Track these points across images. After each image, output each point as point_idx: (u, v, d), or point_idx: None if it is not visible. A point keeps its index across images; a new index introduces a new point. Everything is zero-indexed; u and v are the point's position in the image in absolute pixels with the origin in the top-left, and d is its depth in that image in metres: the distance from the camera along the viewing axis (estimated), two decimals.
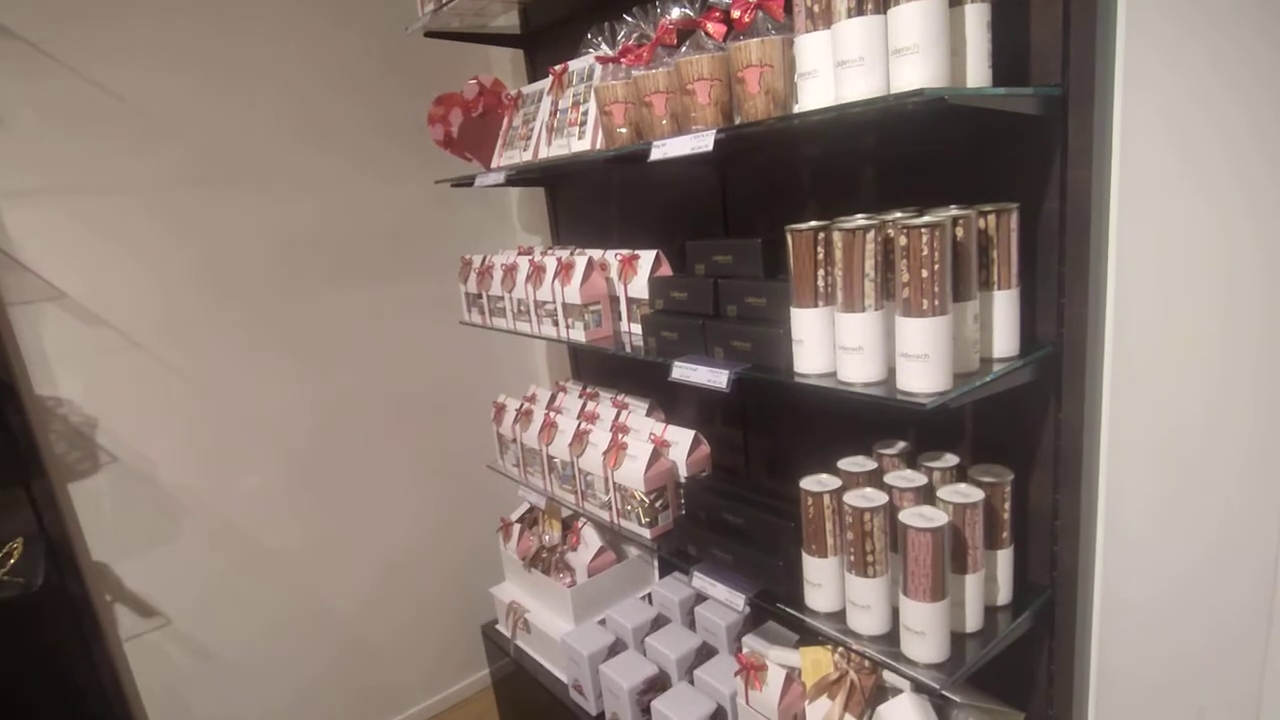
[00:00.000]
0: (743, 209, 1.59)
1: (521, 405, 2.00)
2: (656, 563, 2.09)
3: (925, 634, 1.07)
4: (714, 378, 1.22)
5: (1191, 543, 1.11)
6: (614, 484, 1.63)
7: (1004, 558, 1.19)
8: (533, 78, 2.09)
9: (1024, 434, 1.21)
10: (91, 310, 1.85)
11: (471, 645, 2.52)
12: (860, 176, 1.34)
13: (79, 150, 1.79)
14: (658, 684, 1.67)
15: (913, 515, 1.06)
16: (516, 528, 2.18)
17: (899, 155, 1.27)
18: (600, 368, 2.25)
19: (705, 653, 1.73)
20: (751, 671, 1.38)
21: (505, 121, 1.80)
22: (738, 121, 1.17)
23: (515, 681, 2.15)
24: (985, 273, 1.06)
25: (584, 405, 1.97)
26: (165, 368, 1.96)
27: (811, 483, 1.21)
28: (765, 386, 1.65)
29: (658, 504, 1.59)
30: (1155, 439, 1.12)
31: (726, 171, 1.59)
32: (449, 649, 2.59)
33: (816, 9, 0.97)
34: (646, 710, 1.65)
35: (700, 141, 1.10)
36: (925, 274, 0.91)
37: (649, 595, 1.99)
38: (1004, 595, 1.20)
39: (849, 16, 0.92)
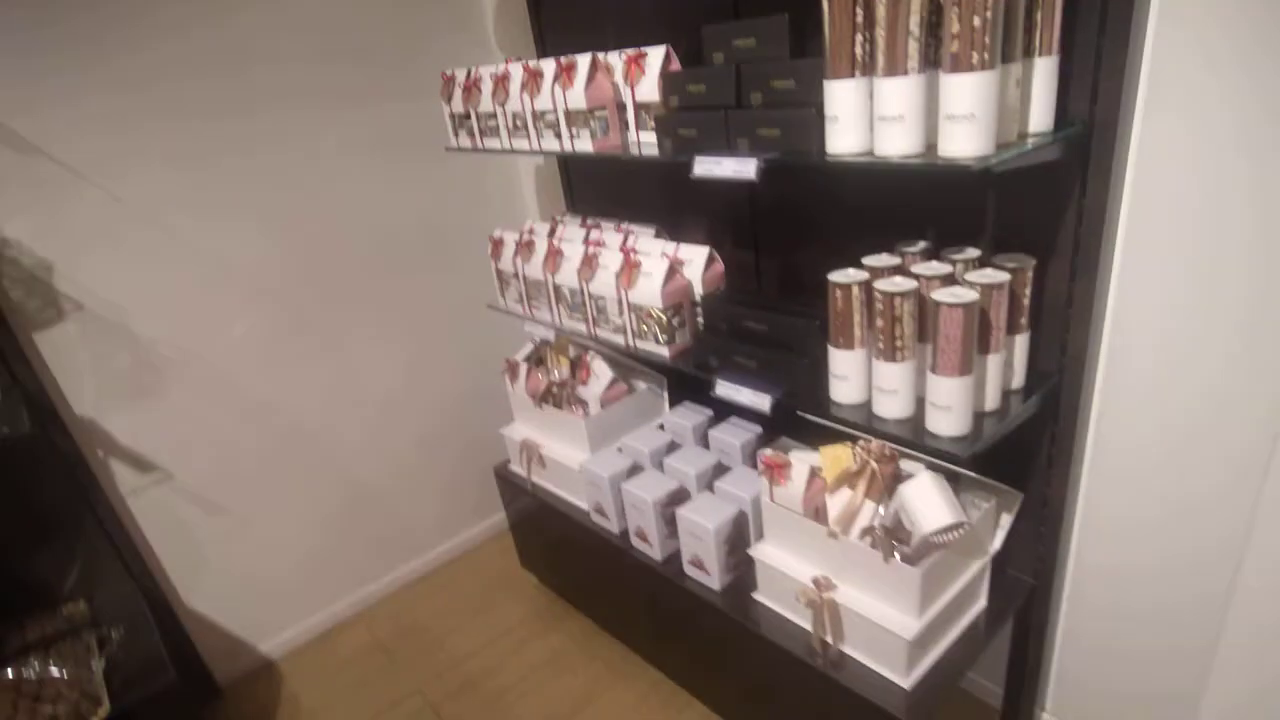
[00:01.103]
0: None
1: (521, 238, 1.96)
2: (666, 394, 2.14)
3: (951, 408, 1.12)
4: (741, 168, 1.19)
5: (1196, 329, 1.16)
6: (629, 305, 1.63)
7: (1021, 342, 1.23)
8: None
9: (1044, 223, 1.22)
10: (29, 140, 1.66)
11: (481, 489, 2.61)
12: None
13: None
14: (679, 497, 1.75)
15: (945, 294, 1.08)
16: (523, 367, 2.20)
17: None
18: (598, 196, 2.19)
19: (720, 470, 1.81)
20: (776, 470, 1.44)
21: None
22: None
23: (533, 516, 2.24)
24: (1028, 37, 1.02)
25: (587, 234, 1.94)
26: (122, 205, 1.80)
27: (840, 275, 1.22)
28: (781, 197, 1.64)
29: (674, 321, 1.60)
30: (1172, 231, 1.14)
31: None
32: (459, 493, 2.66)
33: None
34: (670, 521, 1.74)
35: None
36: (977, 22, 0.88)
37: (661, 424, 2.05)
38: (1018, 380, 1.25)
39: None
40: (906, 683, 1.33)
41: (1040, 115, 1.07)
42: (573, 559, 2.19)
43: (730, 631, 1.60)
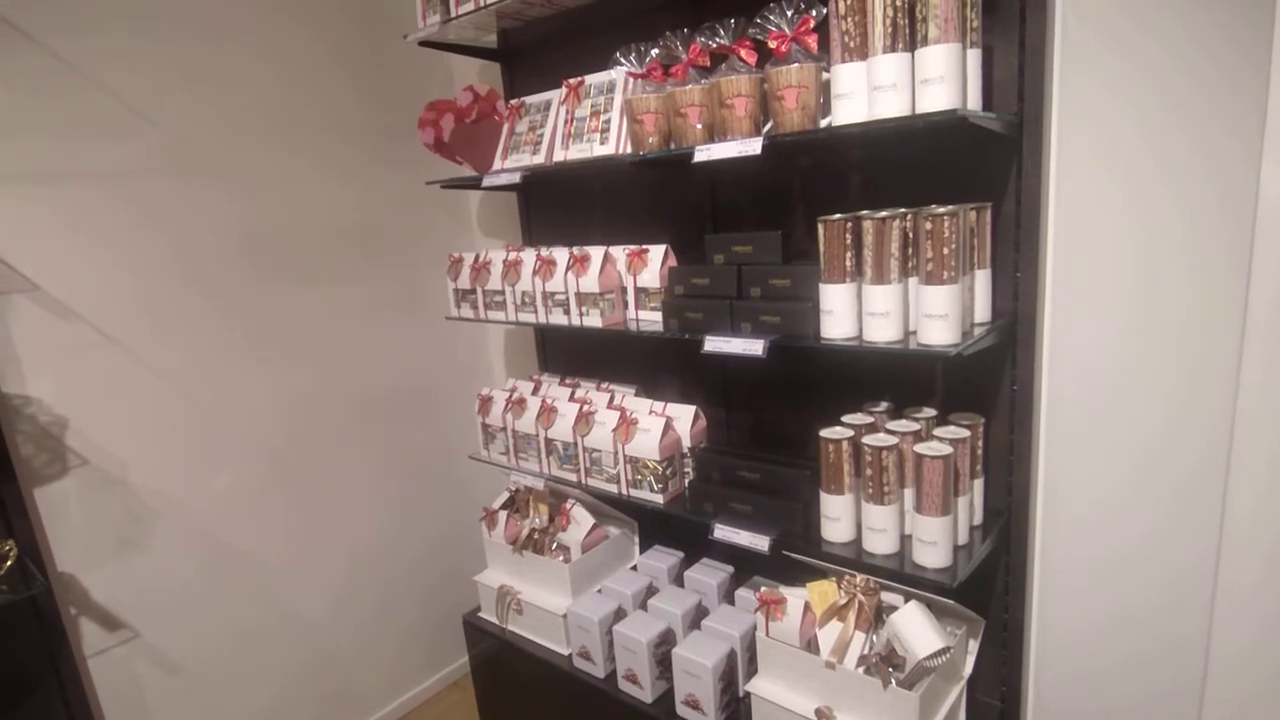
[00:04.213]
0: (732, 211, 1.83)
1: (511, 395, 2.12)
2: (637, 538, 2.26)
3: (936, 543, 1.34)
4: (749, 347, 1.44)
5: (1111, 469, 1.46)
6: (625, 457, 1.80)
7: (978, 485, 1.49)
8: (509, 89, 2.23)
9: (986, 388, 1.52)
10: (65, 304, 1.77)
11: (440, 639, 2.58)
12: (839, 181, 1.63)
13: (51, 136, 1.73)
14: (668, 638, 1.84)
15: (925, 448, 1.33)
16: (501, 515, 2.28)
17: (881, 161, 1.55)
18: (569, 358, 2.40)
19: (701, 611, 1.93)
20: (772, 605, 1.59)
21: (507, 128, 1.93)
22: (766, 130, 1.40)
23: (505, 663, 2.24)
24: (970, 256, 1.35)
25: (572, 393, 2.12)
26: (138, 364, 1.90)
27: (830, 432, 1.46)
28: (754, 365, 1.91)
29: (668, 471, 1.77)
30: (1082, 392, 1.47)
31: (716, 178, 1.82)
32: (418, 645, 2.62)
33: (851, 44, 1.22)
34: (660, 661, 1.82)
35: (748, 146, 1.32)
36: (946, 251, 1.18)
37: (634, 567, 2.16)
38: (978, 517, 1.50)
39: (884, 53, 1.18)
40: None
41: (981, 310, 1.39)
42: (548, 707, 2.18)
43: None
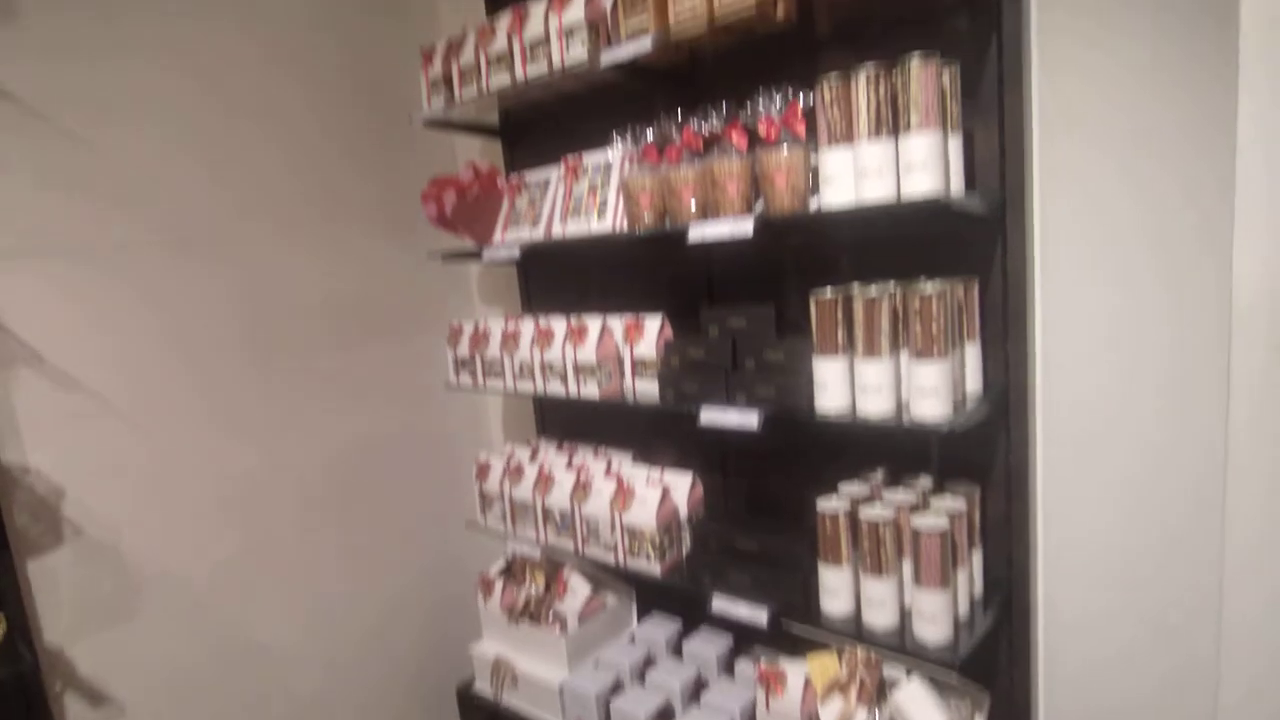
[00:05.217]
0: (727, 282, 1.87)
1: (508, 462, 2.12)
2: (635, 605, 2.24)
3: (936, 618, 1.33)
4: (744, 420, 1.45)
5: (1115, 553, 1.46)
6: (622, 526, 1.80)
7: (977, 557, 1.49)
8: (509, 164, 2.31)
9: (980, 458, 1.53)
10: (67, 373, 1.78)
11: (429, 712, 2.52)
12: (829, 257, 1.67)
13: (56, 209, 1.77)
14: (666, 714, 1.81)
15: (922, 522, 1.33)
16: (498, 583, 2.25)
17: (870, 238, 1.60)
18: (567, 424, 2.41)
19: (700, 683, 1.90)
20: (772, 680, 1.57)
21: (507, 203, 1.99)
22: (757, 212, 1.45)
23: None
24: (958, 329, 1.38)
25: (570, 460, 2.13)
26: (137, 435, 1.90)
27: (826, 504, 1.46)
28: (744, 434, 1.91)
29: (665, 541, 1.77)
30: (1078, 460, 1.48)
31: (711, 250, 1.87)
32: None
33: (837, 131, 1.28)
34: None
35: (739, 227, 1.36)
36: (935, 329, 1.21)
37: (631, 637, 2.13)
38: (978, 588, 1.50)
39: (869, 139, 1.23)
40: None
41: (973, 381, 1.42)
42: None
43: None
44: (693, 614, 2.07)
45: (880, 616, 1.41)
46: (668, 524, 1.78)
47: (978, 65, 1.38)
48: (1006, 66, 1.35)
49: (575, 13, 1.62)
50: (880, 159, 1.23)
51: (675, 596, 2.11)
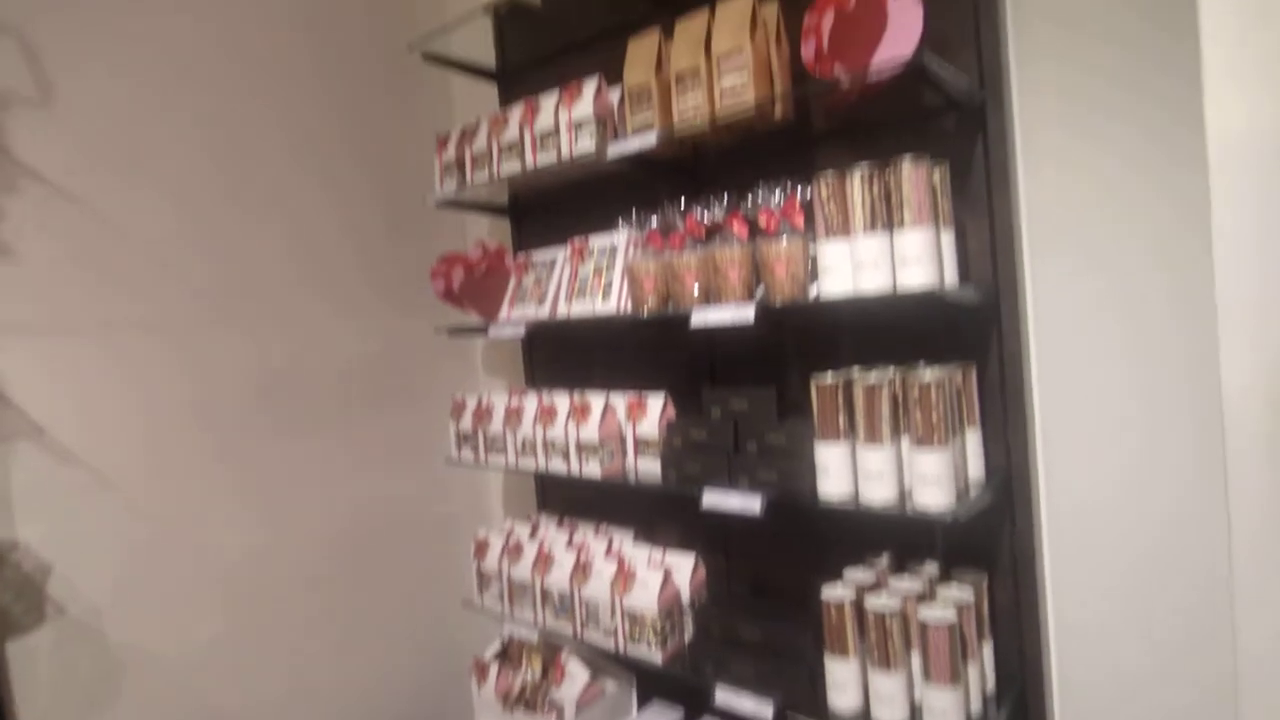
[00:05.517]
0: (729, 362, 1.89)
1: (507, 540, 2.10)
2: (635, 692, 2.16)
3: (948, 716, 1.29)
4: (746, 504, 1.45)
5: (1129, 642, 1.43)
6: (623, 610, 1.76)
7: (988, 650, 1.45)
8: (517, 242, 2.37)
9: (986, 544, 1.52)
10: (67, 447, 1.78)
11: None
12: (830, 340, 1.69)
13: (69, 282, 1.80)
14: None
15: (930, 614, 1.31)
16: (493, 667, 2.19)
17: (868, 324, 1.62)
18: (568, 500, 2.39)
19: None
20: None
21: (514, 281, 2.04)
22: (759, 298, 1.48)
23: None
24: (958, 416, 1.39)
25: (570, 538, 2.10)
26: (133, 512, 1.88)
27: (830, 593, 1.44)
28: (747, 516, 1.90)
29: (667, 626, 1.73)
30: (1082, 545, 1.46)
31: (713, 332, 1.90)
32: None
33: (834, 224, 1.32)
34: None
35: (741, 313, 1.39)
36: (935, 417, 1.22)
37: None
38: (990, 683, 1.45)
39: (864, 233, 1.27)
40: None
41: (975, 467, 1.41)
42: None
43: None
44: (695, 703, 2.00)
45: (890, 713, 1.36)
46: (669, 608, 1.74)
47: (966, 163, 1.44)
48: (993, 164, 1.41)
49: (584, 108, 1.70)
50: (876, 252, 1.26)
51: (677, 683, 2.04)
